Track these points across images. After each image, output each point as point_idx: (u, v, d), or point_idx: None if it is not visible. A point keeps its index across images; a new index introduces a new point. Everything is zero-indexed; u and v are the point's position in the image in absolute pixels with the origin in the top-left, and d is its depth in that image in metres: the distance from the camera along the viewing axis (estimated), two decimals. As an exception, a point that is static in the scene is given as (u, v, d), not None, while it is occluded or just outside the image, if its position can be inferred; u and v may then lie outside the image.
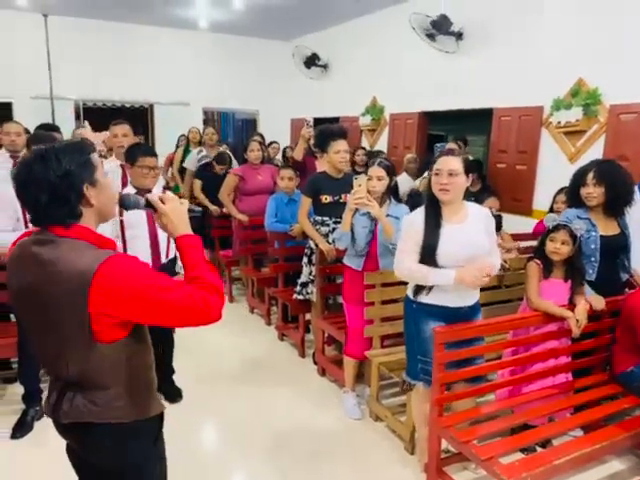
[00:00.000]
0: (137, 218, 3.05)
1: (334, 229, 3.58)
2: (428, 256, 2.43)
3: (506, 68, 5.35)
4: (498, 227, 3.97)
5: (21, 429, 2.92)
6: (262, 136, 6.82)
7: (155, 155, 3.10)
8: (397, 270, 2.58)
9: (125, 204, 1.57)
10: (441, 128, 7.27)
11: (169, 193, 1.57)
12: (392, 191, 3.23)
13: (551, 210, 3.97)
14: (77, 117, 8.40)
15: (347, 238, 3.19)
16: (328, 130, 3.82)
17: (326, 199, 3.68)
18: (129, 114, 9.00)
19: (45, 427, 2.97)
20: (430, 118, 6.75)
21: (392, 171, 3.19)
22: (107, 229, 2.93)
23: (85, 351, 1.39)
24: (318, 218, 3.73)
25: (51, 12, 7.68)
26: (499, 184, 5.36)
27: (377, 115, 7.34)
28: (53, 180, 1.34)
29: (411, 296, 2.59)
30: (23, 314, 1.52)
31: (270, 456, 2.88)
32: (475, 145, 6.60)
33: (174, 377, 3.51)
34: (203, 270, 1.48)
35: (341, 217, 3.28)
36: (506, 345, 2.83)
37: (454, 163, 2.40)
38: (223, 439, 3.14)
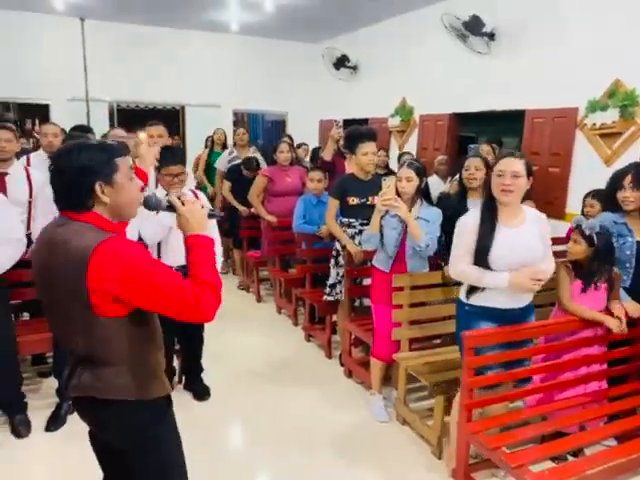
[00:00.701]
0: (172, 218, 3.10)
1: (360, 231, 3.57)
2: (481, 258, 2.42)
3: (539, 69, 5.25)
4: None
5: (55, 422, 3.00)
6: (291, 137, 6.85)
7: (179, 162, 3.12)
8: (451, 271, 2.57)
9: (147, 205, 1.67)
10: (472, 130, 7.19)
11: (189, 195, 1.63)
12: (423, 193, 3.20)
13: (582, 214, 3.88)
14: (111, 118, 8.59)
15: (375, 240, 3.18)
16: (357, 131, 3.81)
17: (353, 201, 3.67)
18: (161, 116, 9.16)
19: (78, 420, 3.05)
20: (461, 119, 6.68)
21: (422, 172, 3.16)
22: (149, 229, 3.00)
23: (89, 325, 1.48)
24: (345, 220, 3.72)
25: (88, 16, 7.88)
26: (532, 187, 5.24)
27: (406, 116, 7.30)
28: (69, 172, 1.48)
29: (463, 298, 2.58)
30: (41, 294, 1.60)
31: (295, 457, 2.88)
32: (506, 147, 6.50)
33: (202, 375, 3.56)
34: (205, 270, 1.53)
35: (368, 219, 3.27)
36: (541, 351, 2.77)
37: (518, 165, 2.38)
38: (249, 438, 3.16)
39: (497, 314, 2.48)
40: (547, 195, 5.17)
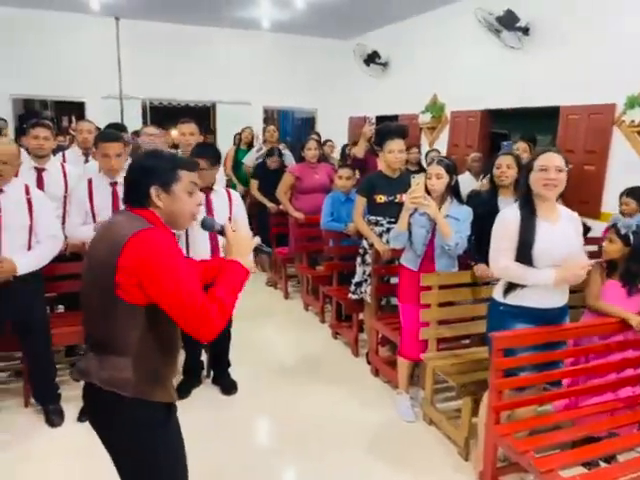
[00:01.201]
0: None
1: (388, 229, 3.55)
2: (524, 254, 2.37)
3: (575, 64, 5.12)
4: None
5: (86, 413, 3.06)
6: (319, 134, 6.85)
7: (205, 157, 3.13)
8: (494, 268, 2.52)
9: (203, 224, 1.81)
10: (504, 126, 7.05)
11: (242, 227, 1.74)
12: (453, 191, 3.16)
13: (620, 213, 3.77)
14: (144, 116, 8.74)
15: (403, 238, 3.16)
16: (386, 128, 3.79)
17: (381, 199, 3.65)
18: (193, 113, 9.28)
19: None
20: (493, 116, 6.56)
21: (452, 170, 3.12)
22: None
23: (109, 306, 1.53)
24: (372, 218, 3.70)
25: (122, 16, 8.02)
26: (566, 185, 5.13)
27: (437, 113, 7.21)
28: (134, 170, 1.63)
29: (499, 298, 2.52)
30: (83, 269, 1.67)
31: (319, 454, 2.89)
32: (540, 144, 6.35)
33: (230, 370, 3.59)
34: (226, 294, 1.56)
35: (396, 217, 3.24)
36: (574, 354, 2.71)
37: (560, 160, 2.36)
38: (274, 433, 3.18)
39: (535, 314, 2.43)
40: (582, 194, 5.04)
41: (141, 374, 1.58)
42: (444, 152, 6.87)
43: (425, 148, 7.15)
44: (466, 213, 3.10)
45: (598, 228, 4.31)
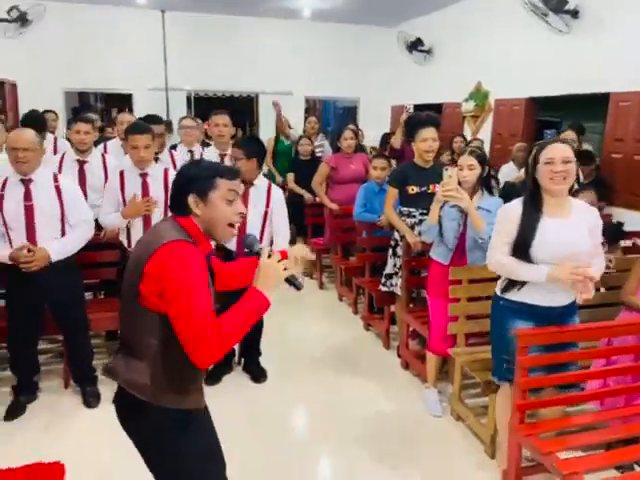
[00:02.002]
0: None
1: (420, 221, 3.49)
2: (520, 250, 2.29)
3: (626, 49, 4.85)
4: (617, 237, 3.61)
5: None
6: (356, 124, 6.78)
7: (241, 147, 3.17)
8: (489, 264, 2.46)
9: (244, 240, 1.79)
10: (551, 114, 6.78)
11: (276, 256, 1.63)
12: (484, 182, 3.07)
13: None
14: (188, 107, 8.92)
15: (434, 231, 3.10)
16: (417, 117, 3.71)
17: (413, 190, 3.58)
18: (236, 104, 9.39)
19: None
20: (539, 104, 6.32)
21: (484, 160, 3.04)
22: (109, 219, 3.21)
23: (133, 310, 1.56)
24: (404, 209, 3.65)
25: (168, 8, 8.20)
26: (614, 176, 4.91)
27: (481, 101, 7.01)
28: (176, 178, 1.67)
29: (499, 293, 2.47)
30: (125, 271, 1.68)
31: (345, 445, 2.90)
32: (588, 132, 6.07)
33: (260, 358, 3.65)
34: (236, 327, 1.51)
35: (428, 208, 3.18)
36: (601, 354, 2.60)
37: (567, 150, 2.23)
38: (302, 423, 3.22)
39: (536, 312, 2.33)
40: (631, 185, 4.81)
41: (158, 381, 1.58)
42: (487, 142, 6.69)
43: (468, 138, 6.98)
44: (497, 204, 3.00)
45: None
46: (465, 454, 2.84)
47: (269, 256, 1.62)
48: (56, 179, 2.91)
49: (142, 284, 1.51)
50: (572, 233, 2.25)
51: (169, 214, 1.70)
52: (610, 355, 2.60)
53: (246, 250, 1.78)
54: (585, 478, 2.06)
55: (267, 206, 3.27)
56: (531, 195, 2.33)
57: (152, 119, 3.79)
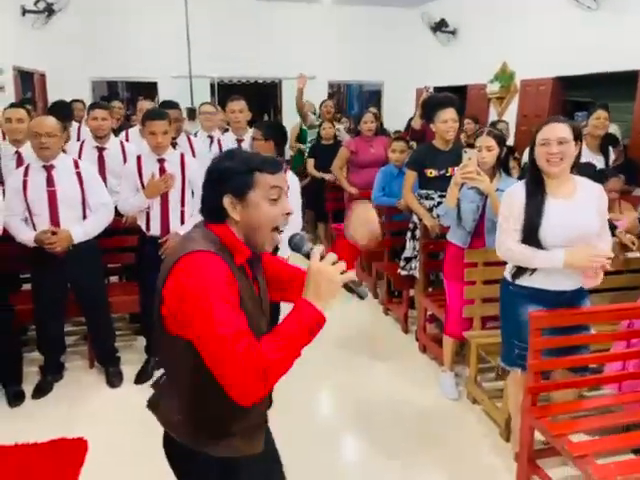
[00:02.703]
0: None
1: (439, 203, 3.46)
2: (530, 235, 2.23)
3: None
4: None
5: (143, 376, 3.28)
6: (379, 108, 6.70)
7: (260, 128, 3.17)
8: (498, 251, 2.42)
9: (290, 242, 1.39)
10: (580, 94, 6.57)
11: (331, 256, 1.28)
12: (502, 163, 3.03)
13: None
14: (212, 93, 8.98)
15: (453, 215, 3.06)
16: (435, 98, 3.65)
17: (431, 173, 3.54)
18: (260, 90, 9.41)
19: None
20: (567, 83, 6.14)
21: (503, 141, 2.99)
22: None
23: (160, 336, 1.33)
24: (423, 192, 3.62)
25: (189, -6, 8.23)
26: (628, 158, 4.76)
27: (507, 82, 6.86)
28: (207, 178, 1.35)
29: (509, 278, 2.43)
30: None
31: (362, 426, 2.92)
32: (618, 112, 5.87)
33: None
34: (284, 351, 1.19)
35: (447, 191, 3.15)
36: (614, 337, 2.54)
37: (564, 130, 2.15)
38: (321, 405, 3.26)
39: (546, 296, 2.29)
40: (660, 166, 4.64)
41: (192, 419, 1.33)
42: (512, 123, 6.55)
43: (494, 119, 6.84)
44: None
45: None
46: (480, 437, 2.84)
47: (321, 258, 1.27)
48: (77, 165, 2.99)
49: (163, 305, 1.27)
50: (579, 214, 2.20)
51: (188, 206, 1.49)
52: (623, 339, 2.54)
53: (293, 250, 1.42)
54: (599, 461, 2.04)
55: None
56: (532, 177, 2.28)
57: (168, 104, 3.84)
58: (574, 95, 6.50)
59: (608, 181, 3.32)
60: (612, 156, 4.38)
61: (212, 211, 1.33)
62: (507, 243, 2.31)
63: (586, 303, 2.39)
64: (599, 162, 4.07)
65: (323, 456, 2.72)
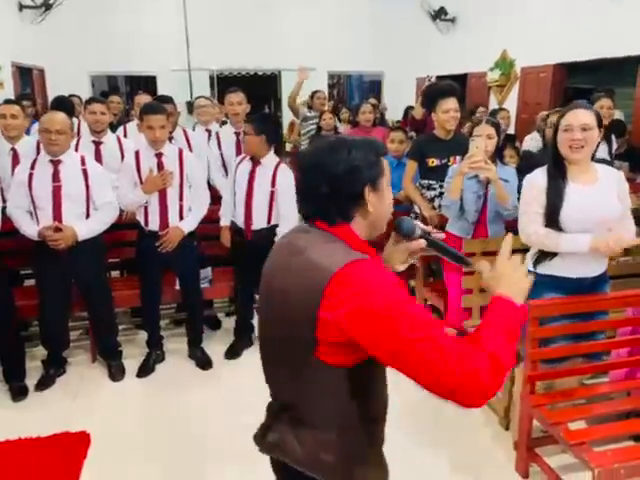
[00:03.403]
0: (242, 176, 3.22)
1: (441, 193, 3.45)
2: (551, 219, 2.24)
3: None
4: None
5: (144, 370, 3.30)
6: (379, 98, 6.66)
7: (251, 122, 3.16)
8: (523, 234, 2.39)
9: (401, 227, 1.33)
10: (580, 80, 6.53)
11: (516, 259, 1.25)
12: (498, 152, 3.02)
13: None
14: (211, 87, 8.96)
15: (456, 207, 3.03)
16: (437, 88, 3.63)
17: (432, 162, 3.53)
18: (260, 82, 9.37)
19: (165, 369, 3.35)
20: (568, 70, 6.09)
21: (499, 129, 2.99)
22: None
23: (301, 366, 1.17)
24: (424, 182, 3.60)
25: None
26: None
27: (507, 69, 6.82)
28: (337, 172, 1.17)
29: (530, 266, 2.40)
30: (261, 302, 1.32)
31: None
32: (622, 98, 5.83)
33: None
34: (494, 335, 1.08)
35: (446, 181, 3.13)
36: (619, 324, 2.54)
37: (587, 116, 2.15)
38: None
39: (567, 284, 2.29)
40: (662, 152, 4.61)
41: (348, 454, 1.22)
42: (513, 111, 6.51)
43: (495, 107, 6.80)
44: (512, 174, 2.98)
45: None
46: (480, 426, 2.84)
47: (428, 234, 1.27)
48: (83, 162, 2.99)
49: (318, 333, 1.12)
50: (601, 199, 2.20)
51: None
52: (626, 325, 2.54)
53: (405, 235, 1.34)
54: (597, 449, 2.05)
55: (272, 186, 3.22)
56: (554, 163, 2.28)
57: (162, 98, 3.84)
58: (575, 82, 6.46)
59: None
60: (615, 145, 4.35)
61: (342, 210, 1.19)
62: (533, 227, 2.30)
63: (606, 289, 2.39)
64: (603, 151, 4.05)
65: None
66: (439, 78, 7.46)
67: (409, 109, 7.38)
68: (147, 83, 8.94)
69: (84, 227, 2.97)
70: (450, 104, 3.40)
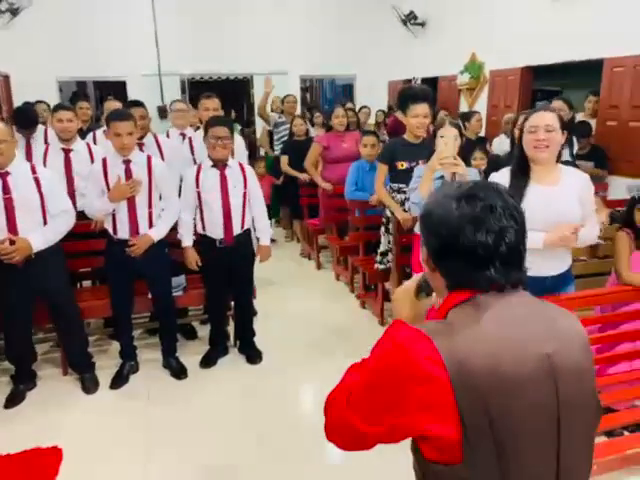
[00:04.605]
0: (211, 183, 3.19)
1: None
2: None
3: (621, 13, 4.74)
4: None
5: (118, 381, 3.24)
6: (353, 102, 6.71)
7: (225, 125, 3.15)
8: None
9: (424, 288, 1.25)
10: (547, 83, 6.67)
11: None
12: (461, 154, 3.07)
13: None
14: (183, 91, 8.87)
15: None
16: (410, 92, 3.65)
17: (402, 165, 3.56)
18: (231, 86, 9.31)
19: (139, 380, 3.29)
20: (536, 73, 6.22)
21: (462, 132, 3.05)
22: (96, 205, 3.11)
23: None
24: (394, 185, 3.63)
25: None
26: (608, 144, 4.84)
27: (476, 72, 6.91)
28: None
29: None
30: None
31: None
32: (584, 101, 5.97)
33: (257, 339, 3.67)
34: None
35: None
36: (590, 322, 2.59)
37: (550, 118, 2.22)
38: (298, 401, 3.25)
39: (530, 283, 2.32)
40: (626, 153, 4.75)
41: None
42: (483, 114, 6.59)
43: (466, 110, 6.89)
44: (475, 174, 3.04)
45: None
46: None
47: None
48: (34, 170, 2.88)
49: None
50: (561, 200, 2.24)
51: None
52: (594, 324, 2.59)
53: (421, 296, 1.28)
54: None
55: (245, 187, 3.25)
56: (518, 163, 2.32)
57: (133, 103, 3.78)
58: (543, 84, 6.59)
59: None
60: (576, 146, 4.46)
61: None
62: None
63: (571, 289, 2.42)
64: (564, 153, 4.13)
65: (301, 451, 2.72)
66: (410, 82, 7.56)
67: (378, 113, 7.47)
68: (117, 88, 8.79)
69: (39, 237, 2.86)
70: (419, 110, 3.42)
